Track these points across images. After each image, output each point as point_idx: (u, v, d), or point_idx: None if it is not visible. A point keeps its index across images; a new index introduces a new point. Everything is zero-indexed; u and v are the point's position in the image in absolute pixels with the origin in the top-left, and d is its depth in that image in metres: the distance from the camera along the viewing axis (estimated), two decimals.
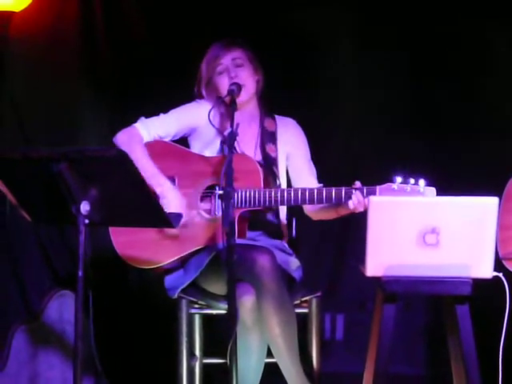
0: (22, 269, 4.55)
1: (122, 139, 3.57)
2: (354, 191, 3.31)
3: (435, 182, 3.27)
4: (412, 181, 3.27)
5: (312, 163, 3.71)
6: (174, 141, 3.65)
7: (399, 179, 3.28)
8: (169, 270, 3.55)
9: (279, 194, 3.42)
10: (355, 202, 3.30)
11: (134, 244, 3.51)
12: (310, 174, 3.67)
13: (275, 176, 3.63)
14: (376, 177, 3.35)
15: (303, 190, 3.41)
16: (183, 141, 3.69)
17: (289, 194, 3.41)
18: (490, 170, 4.20)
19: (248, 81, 3.61)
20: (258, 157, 3.64)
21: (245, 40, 3.68)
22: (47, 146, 3.87)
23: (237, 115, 3.40)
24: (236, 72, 3.59)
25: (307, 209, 3.66)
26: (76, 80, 4.62)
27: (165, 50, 4.56)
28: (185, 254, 3.50)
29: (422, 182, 3.26)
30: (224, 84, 3.58)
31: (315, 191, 3.39)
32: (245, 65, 3.62)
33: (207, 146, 3.63)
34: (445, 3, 4.48)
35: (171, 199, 3.46)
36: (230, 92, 3.50)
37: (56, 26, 4.59)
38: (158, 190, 3.45)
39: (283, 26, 4.53)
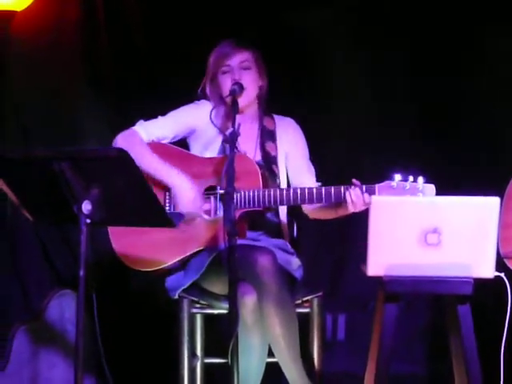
0: (23, 268, 4.54)
1: (122, 142, 3.55)
2: (351, 187, 3.31)
3: (436, 181, 3.27)
4: (411, 178, 3.26)
5: (310, 163, 3.70)
6: (173, 142, 3.65)
7: (398, 177, 3.27)
8: (169, 272, 3.55)
9: (278, 194, 3.41)
10: (353, 197, 3.30)
11: (134, 246, 3.50)
12: (308, 174, 3.66)
13: (275, 175, 3.62)
14: (376, 177, 3.34)
15: (302, 190, 3.40)
16: (183, 143, 3.69)
17: (287, 193, 3.41)
18: (492, 170, 4.20)
19: (251, 85, 3.58)
20: (258, 156, 3.63)
21: (252, 41, 3.67)
22: (48, 146, 3.87)
23: (238, 117, 3.39)
24: (240, 74, 3.56)
25: (304, 206, 3.65)
26: (77, 80, 4.62)
27: (166, 50, 4.56)
28: (185, 255, 3.49)
29: (420, 179, 3.25)
30: (226, 84, 3.57)
31: (314, 191, 3.39)
32: (251, 68, 3.60)
33: (207, 146, 3.63)
34: (446, 4, 4.48)
35: (183, 190, 3.47)
36: (232, 92, 3.50)
37: (57, 25, 4.59)
38: (169, 182, 3.49)
39: (284, 27, 4.52)
